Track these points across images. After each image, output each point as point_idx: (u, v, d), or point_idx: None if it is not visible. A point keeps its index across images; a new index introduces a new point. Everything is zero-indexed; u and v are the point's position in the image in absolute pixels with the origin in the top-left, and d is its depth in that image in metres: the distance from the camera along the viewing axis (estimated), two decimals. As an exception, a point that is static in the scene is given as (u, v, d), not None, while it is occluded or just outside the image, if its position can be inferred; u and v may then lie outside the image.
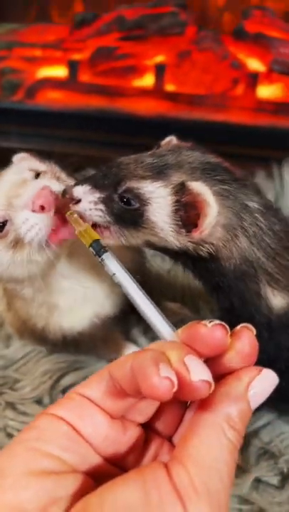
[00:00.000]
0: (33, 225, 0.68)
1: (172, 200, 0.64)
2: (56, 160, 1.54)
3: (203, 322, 0.39)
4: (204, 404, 0.38)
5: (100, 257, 0.54)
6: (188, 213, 0.64)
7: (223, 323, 0.39)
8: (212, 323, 0.38)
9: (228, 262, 0.66)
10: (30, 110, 1.80)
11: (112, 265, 0.52)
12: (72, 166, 1.54)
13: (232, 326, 0.41)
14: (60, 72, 1.83)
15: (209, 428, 0.37)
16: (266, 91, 1.74)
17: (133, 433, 0.43)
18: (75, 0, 1.93)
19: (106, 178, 0.65)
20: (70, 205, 0.65)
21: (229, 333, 0.39)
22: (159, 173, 0.65)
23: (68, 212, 0.64)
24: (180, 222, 0.64)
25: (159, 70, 1.75)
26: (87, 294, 0.84)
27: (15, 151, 1.71)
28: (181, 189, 0.63)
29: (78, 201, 0.65)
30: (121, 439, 0.42)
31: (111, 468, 0.41)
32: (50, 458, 0.38)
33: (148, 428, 0.45)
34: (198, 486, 0.34)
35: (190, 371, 0.36)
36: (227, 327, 0.39)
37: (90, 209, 0.64)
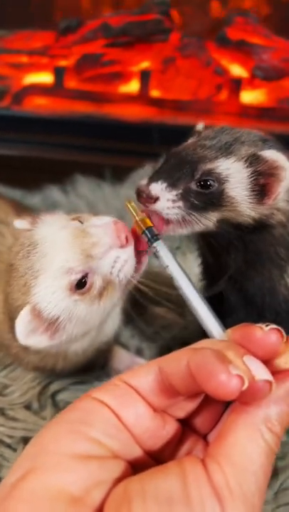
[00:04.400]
0: (126, 259, 0.66)
1: (248, 172, 0.65)
2: (44, 166, 1.55)
3: (259, 325, 0.39)
4: (243, 403, 0.38)
5: (151, 244, 0.56)
6: (261, 182, 0.65)
7: (279, 328, 0.39)
8: (269, 327, 0.39)
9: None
10: (17, 116, 1.80)
11: (165, 257, 0.53)
12: (59, 172, 1.56)
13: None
14: (46, 78, 1.84)
15: (246, 429, 0.37)
16: (249, 96, 1.77)
17: (171, 428, 0.43)
18: (60, 7, 1.95)
19: (179, 168, 0.65)
20: (147, 204, 0.64)
21: (285, 338, 0.39)
22: (226, 150, 0.66)
23: (127, 201, 0.63)
24: (257, 192, 0.66)
25: (144, 76, 1.78)
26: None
27: (1, 157, 1.71)
28: (255, 160, 0.65)
29: (156, 199, 0.64)
30: (160, 432, 0.42)
31: (148, 460, 0.41)
32: (93, 442, 0.38)
33: (184, 424, 0.44)
34: (234, 488, 0.33)
35: (252, 371, 0.36)
36: (283, 332, 0.39)
37: (168, 207, 0.64)
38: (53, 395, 0.94)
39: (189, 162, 0.65)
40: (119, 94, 1.81)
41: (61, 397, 0.94)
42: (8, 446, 0.86)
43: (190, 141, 0.72)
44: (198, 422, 0.45)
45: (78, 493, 0.34)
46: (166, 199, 0.64)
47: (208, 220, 0.66)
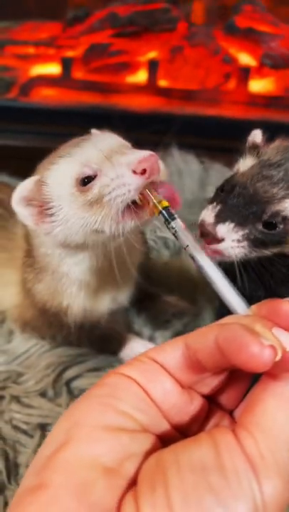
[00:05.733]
0: (124, 183, 0.63)
1: None
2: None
3: (286, 299, 0.39)
4: (272, 376, 0.37)
5: (169, 223, 0.55)
6: None
7: None
8: None
9: None
10: (25, 107, 1.80)
11: (184, 236, 0.52)
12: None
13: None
14: (53, 69, 1.84)
15: (276, 398, 0.36)
16: (257, 85, 1.77)
17: (198, 403, 0.42)
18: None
19: (246, 208, 0.63)
20: (211, 243, 0.63)
21: None
22: None
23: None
24: None
25: (152, 66, 1.77)
26: (112, 276, 0.82)
27: (9, 148, 1.72)
28: None
29: (221, 240, 0.63)
30: (188, 408, 0.42)
31: (176, 435, 0.41)
32: (123, 415, 0.38)
33: (210, 400, 0.44)
34: (266, 455, 0.33)
35: (282, 342, 0.36)
36: None
37: (232, 247, 0.63)
38: (68, 383, 0.95)
39: (258, 202, 0.63)
40: (127, 85, 1.81)
41: (76, 384, 0.95)
42: (25, 432, 0.88)
43: (249, 160, 0.69)
44: (224, 398, 0.45)
45: (111, 464, 0.35)
46: (232, 239, 0.63)
47: (264, 253, 0.65)
